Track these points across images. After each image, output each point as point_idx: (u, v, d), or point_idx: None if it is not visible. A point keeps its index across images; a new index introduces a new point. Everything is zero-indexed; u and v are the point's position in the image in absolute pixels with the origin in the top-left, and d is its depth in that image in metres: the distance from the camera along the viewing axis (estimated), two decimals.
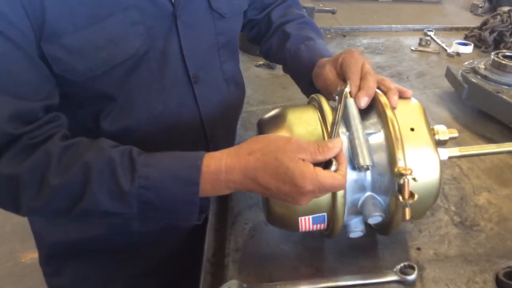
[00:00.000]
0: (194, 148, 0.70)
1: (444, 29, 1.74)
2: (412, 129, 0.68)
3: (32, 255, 2.20)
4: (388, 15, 4.63)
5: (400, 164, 0.65)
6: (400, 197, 0.64)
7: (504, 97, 1.11)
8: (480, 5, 4.80)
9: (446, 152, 0.76)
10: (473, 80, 1.18)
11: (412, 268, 0.72)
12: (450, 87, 1.28)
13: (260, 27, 1.05)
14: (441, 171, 0.69)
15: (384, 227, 0.73)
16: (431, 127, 0.72)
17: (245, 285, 0.69)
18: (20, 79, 0.66)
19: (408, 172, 0.64)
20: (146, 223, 0.72)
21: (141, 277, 0.96)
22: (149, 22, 0.75)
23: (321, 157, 0.64)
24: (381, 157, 0.68)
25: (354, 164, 0.67)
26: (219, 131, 0.91)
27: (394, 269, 0.72)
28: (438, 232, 0.81)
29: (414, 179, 0.64)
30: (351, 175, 0.68)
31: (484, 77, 1.18)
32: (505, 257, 0.76)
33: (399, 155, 0.65)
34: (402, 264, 0.72)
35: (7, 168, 0.64)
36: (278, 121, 0.72)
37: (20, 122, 0.65)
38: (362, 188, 0.69)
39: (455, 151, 0.78)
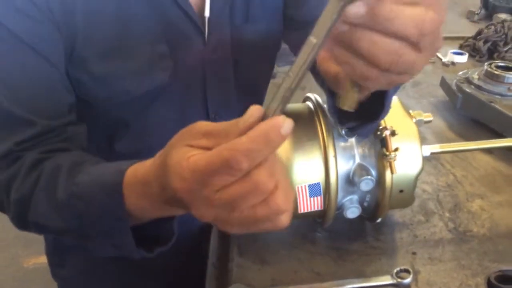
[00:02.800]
0: None
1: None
2: None
3: (34, 260, 2.23)
4: None
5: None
6: (385, 151, 0.72)
7: (497, 106, 1.15)
8: (476, 12, 4.82)
9: (428, 148, 0.84)
10: (467, 90, 1.22)
11: (408, 272, 0.75)
12: (445, 97, 1.32)
13: None
14: (420, 138, 0.78)
15: (375, 205, 0.80)
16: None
17: None
18: (48, 94, 0.69)
19: (387, 126, 0.72)
20: (93, 245, 0.65)
21: (143, 277, 0.99)
22: (178, 57, 0.76)
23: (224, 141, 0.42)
24: None
25: (341, 131, 0.75)
26: None
27: (391, 273, 0.75)
28: (433, 237, 0.85)
29: (393, 132, 0.72)
30: (341, 145, 0.75)
31: (478, 87, 1.22)
32: (497, 261, 0.79)
33: None
34: (398, 268, 0.76)
35: None
36: None
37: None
38: (351, 157, 0.76)
39: (436, 148, 0.86)
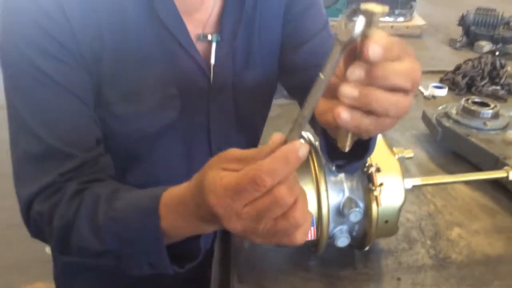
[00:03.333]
0: None
1: (422, 72, 1.89)
2: None
3: (30, 287, 2.27)
4: None
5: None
6: (371, 185, 0.81)
7: (473, 140, 1.24)
8: (458, 40, 4.99)
9: (410, 182, 0.92)
10: (446, 124, 1.31)
11: None
12: (427, 129, 1.42)
13: None
14: (403, 173, 0.87)
15: (363, 234, 0.87)
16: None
17: None
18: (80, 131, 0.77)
19: (373, 163, 0.81)
20: (130, 265, 0.72)
21: None
22: (185, 98, 0.85)
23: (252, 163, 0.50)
24: None
25: (331, 167, 0.83)
26: None
27: None
28: (416, 264, 0.93)
29: (378, 169, 0.81)
30: (332, 180, 0.83)
31: (456, 122, 1.31)
32: (473, 285, 0.88)
33: None
34: None
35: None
36: None
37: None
38: (341, 190, 0.84)
39: (417, 181, 0.94)
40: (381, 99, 0.48)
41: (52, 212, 0.73)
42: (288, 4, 0.92)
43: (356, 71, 0.47)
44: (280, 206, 0.49)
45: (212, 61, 0.86)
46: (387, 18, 5.33)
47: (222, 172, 0.52)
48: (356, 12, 0.45)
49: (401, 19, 5.43)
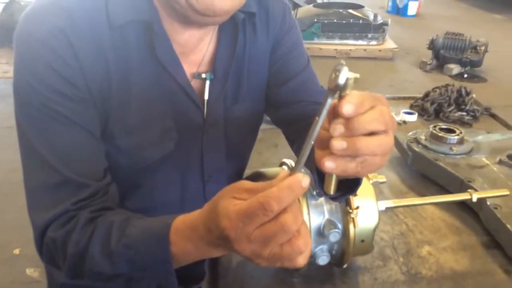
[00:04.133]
0: None
1: (393, 98, 2.01)
2: None
3: None
4: None
5: None
6: (348, 208, 0.90)
7: (441, 164, 1.35)
8: (428, 63, 5.19)
9: (383, 204, 1.02)
10: (416, 149, 1.42)
11: None
12: (398, 153, 1.52)
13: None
14: (376, 196, 0.96)
15: (341, 253, 0.96)
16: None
17: None
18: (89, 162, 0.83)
19: None
20: (139, 287, 0.79)
21: None
22: (181, 130, 0.92)
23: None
24: None
25: (312, 192, 0.91)
26: None
27: None
28: (390, 279, 1.02)
29: (355, 194, 0.88)
30: (312, 203, 0.92)
31: (425, 147, 1.42)
32: None
33: None
34: None
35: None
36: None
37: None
38: (321, 213, 0.93)
39: (390, 203, 1.04)
40: (366, 143, 0.57)
41: (66, 239, 0.78)
42: (274, 46, 1.01)
43: (337, 127, 0.57)
44: (286, 233, 0.57)
45: (206, 97, 0.94)
46: (360, 42, 5.54)
47: (234, 200, 0.59)
48: (340, 66, 0.55)
49: (374, 42, 5.64)
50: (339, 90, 0.56)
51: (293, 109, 1.02)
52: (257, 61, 0.99)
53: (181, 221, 0.71)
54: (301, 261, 0.60)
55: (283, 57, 1.02)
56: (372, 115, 0.57)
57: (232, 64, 0.94)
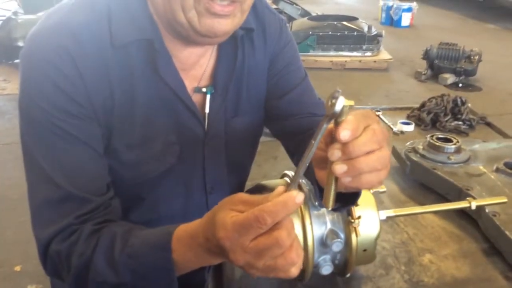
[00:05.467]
0: None
1: (390, 109, 2.04)
2: None
3: None
4: (341, 82, 5.00)
5: None
6: (350, 218, 0.91)
7: (439, 173, 1.37)
8: (423, 73, 5.23)
9: (384, 213, 1.03)
10: (414, 158, 1.44)
11: None
12: (397, 163, 1.54)
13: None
14: (377, 206, 0.97)
15: (344, 262, 0.97)
16: None
17: None
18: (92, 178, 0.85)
19: None
20: None
21: None
22: (183, 144, 0.94)
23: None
24: None
25: (314, 202, 0.93)
26: None
27: None
28: None
29: (356, 204, 0.90)
30: (315, 214, 0.93)
31: (423, 156, 1.44)
32: None
33: None
34: None
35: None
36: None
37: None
38: (324, 223, 0.94)
39: (391, 212, 1.05)
40: (366, 162, 0.62)
41: (71, 251, 0.80)
42: (272, 60, 1.04)
43: (335, 152, 0.62)
44: (280, 247, 0.61)
45: (207, 110, 0.96)
46: (355, 53, 5.58)
47: (231, 212, 0.63)
48: (337, 94, 0.60)
49: (368, 53, 5.68)
50: (335, 117, 0.61)
51: (292, 122, 1.04)
52: (255, 75, 1.02)
53: (183, 230, 0.74)
54: (294, 271, 0.63)
55: (281, 71, 1.04)
56: (366, 137, 0.62)
57: (232, 78, 0.97)
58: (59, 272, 0.84)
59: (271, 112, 1.07)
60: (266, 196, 0.62)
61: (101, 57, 0.83)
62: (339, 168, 0.62)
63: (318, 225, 0.94)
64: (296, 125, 1.04)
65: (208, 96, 0.96)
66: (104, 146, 0.87)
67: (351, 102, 0.60)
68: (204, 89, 0.95)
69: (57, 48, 0.79)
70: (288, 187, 0.63)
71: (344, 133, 0.59)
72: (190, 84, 0.94)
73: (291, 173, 1.03)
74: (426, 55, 5.26)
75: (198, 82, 0.96)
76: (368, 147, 0.62)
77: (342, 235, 0.94)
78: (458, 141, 1.46)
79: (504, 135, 1.79)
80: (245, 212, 0.61)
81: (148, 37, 0.85)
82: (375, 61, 5.51)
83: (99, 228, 0.81)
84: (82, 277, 0.80)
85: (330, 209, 0.69)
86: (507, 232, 1.11)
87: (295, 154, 1.05)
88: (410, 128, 1.82)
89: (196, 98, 0.95)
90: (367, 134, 0.61)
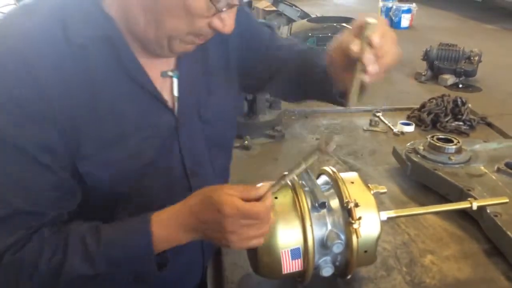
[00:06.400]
0: None
1: (390, 110, 2.03)
2: (352, 182, 0.99)
3: None
4: None
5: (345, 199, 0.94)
6: (351, 219, 0.91)
7: (440, 173, 1.36)
8: (423, 73, 5.20)
9: (385, 214, 1.02)
10: (415, 159, 1.43)
11: None
12: (397, 164, 1.53)
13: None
14: (378, 207, 0.98)
15: (345, 264, 0.97)
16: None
17: None
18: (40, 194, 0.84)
19: (351, 199, 0.92)
20: (121, 273, 0.87)
21: None
22: (159, 136, 0.94)
23: (245, 195, 0.81)
24: (334, 202, 0.96)
25: (315, 204, 0.94)
26: None
27: None
28: None
29: (356, 204, 0.92)
30: (315, 215, 0.94)
31: (423, 157, 1.43)
32: None
33: (345, 194, 0.95)
34: None
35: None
36: None
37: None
38: (324, 224, 0.94)
39: (391, 213, 1.05)
40: (391, 56, 0.85)
41: (34, 257, 0.81)
42: (238, 41, 1.07)
43: (371, 58, 0.82)
44: (261, 233, 0.84)
45: (175, 93, 0.96)
46: None
47: (228, 195, 0.79)
48: (331, 137, 0.82)
49: None
50: (325, 154, 0.84)
51: (277, 61, 1.13)
52: (222, 47, 1.04)
53: (159, 213, 0.85)
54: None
55: (248, 40, 1.10)
56: (387, 42, 0.83)
57: (197, 58, 0.98)
58: (14, 282, 0.83)
59: (256, 76, 1.13)
60: (250, 188, 0.83)
61: (58, 58, 0.81)
62: (373, 68, 0.82)
63: (319, 227, 0.93)
64: (282, 64, 1.12)
65: (175, 80, 0.96)
66: (74, 154, 0.85)
67: (375, 21, 0.82)
68: (170, 73, 0.95)
69: (10, 51, 0.79)
70: (271, 187, 0.83)
71: (377, 39, 0.81)
72: (155, 70, 0.94)
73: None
74: (426, 56, 5.23)
75: (165, 67, 0.96)
76: (388, 48, 0.83)
77: (342, 236, 0.93)
78: (458, 142, 1.45)
79: (505, 135, 1.79)
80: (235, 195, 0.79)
81: (104, 33, 0.84)
82: None
83: (57, 231, 0.83)
84: (54, 278, 0.81)
85: (353, 106, 0.88)
86: (508, 233, 1.10)
87: (306, 93, 1.16)
88: (411, 128, 1.81)
89: (164, 83, 0.95)
90: (387, 40, 0.83)
